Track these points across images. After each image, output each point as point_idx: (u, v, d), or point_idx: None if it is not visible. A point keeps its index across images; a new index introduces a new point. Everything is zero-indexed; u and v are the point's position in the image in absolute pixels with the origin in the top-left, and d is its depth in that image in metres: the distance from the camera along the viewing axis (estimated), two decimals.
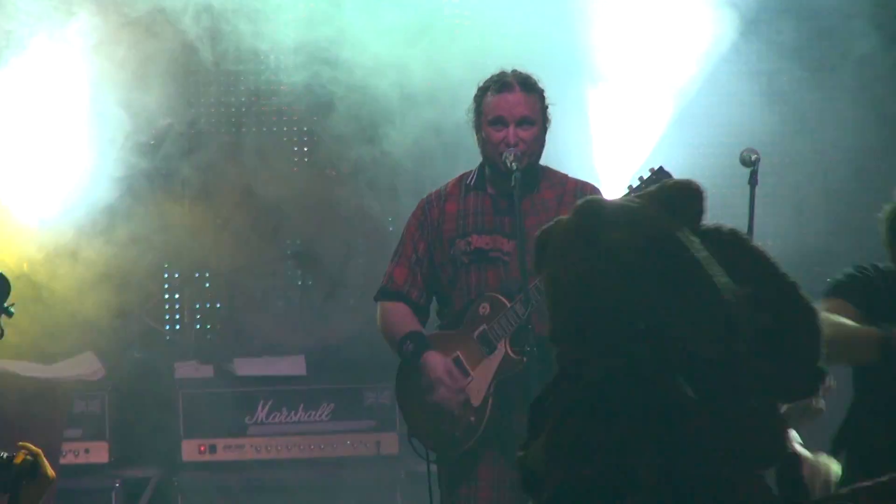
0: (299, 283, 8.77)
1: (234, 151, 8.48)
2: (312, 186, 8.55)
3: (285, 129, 8.74)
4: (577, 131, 8.00)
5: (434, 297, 5.74)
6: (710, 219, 2.92)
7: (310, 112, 8.51)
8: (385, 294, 5.69)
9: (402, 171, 8.24)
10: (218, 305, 8.75)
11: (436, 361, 5.51)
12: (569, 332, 2.82)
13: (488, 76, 5.63)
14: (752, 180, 5.55)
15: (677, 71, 8.08)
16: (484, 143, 5.50)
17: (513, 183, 5.28)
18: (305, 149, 8.78)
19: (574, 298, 2.81)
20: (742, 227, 3.63)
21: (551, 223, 3.01)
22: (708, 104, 8.26)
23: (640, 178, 5.41)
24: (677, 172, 5.36)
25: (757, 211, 5.40)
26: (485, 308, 5.53)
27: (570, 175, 5.69)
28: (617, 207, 2.90)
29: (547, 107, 5.55)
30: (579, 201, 2.92)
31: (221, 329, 8.69)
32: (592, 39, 8.06)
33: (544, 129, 5.53)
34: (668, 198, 2.94)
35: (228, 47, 8.13)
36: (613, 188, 7.45)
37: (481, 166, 5.65)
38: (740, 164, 5.57)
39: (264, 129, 8.68)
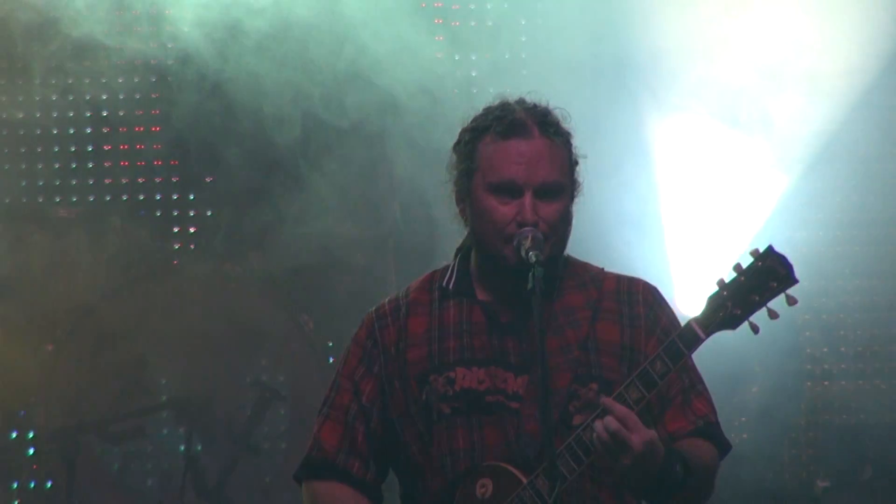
0: (181, 447, 8.51)
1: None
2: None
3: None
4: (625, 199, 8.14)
5: (393, 472, 5.02)
6: None
7: None
8: (310, 469, 5.00)
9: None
10: (48, 485, 8.59)
11: None
12: None
13: (479, 107, 4.95)
14: None
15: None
16: (480, 222, 4.82)
17: (530, 284, 4.58)
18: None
19: None
20: None
21: None
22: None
23: (753, 253, 4.55)
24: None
25: None
26: (485, 487, 4.80)
27: (608, 269, 4.99)
28: None
29: (577, 162, 4.85)
30: None
31: None
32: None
33: (573, 199, 4.86)
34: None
35: None
36: (691, 288, 7.76)
37: (462, 260, 4.97)
38: None
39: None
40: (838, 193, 8.46)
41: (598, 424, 4.46)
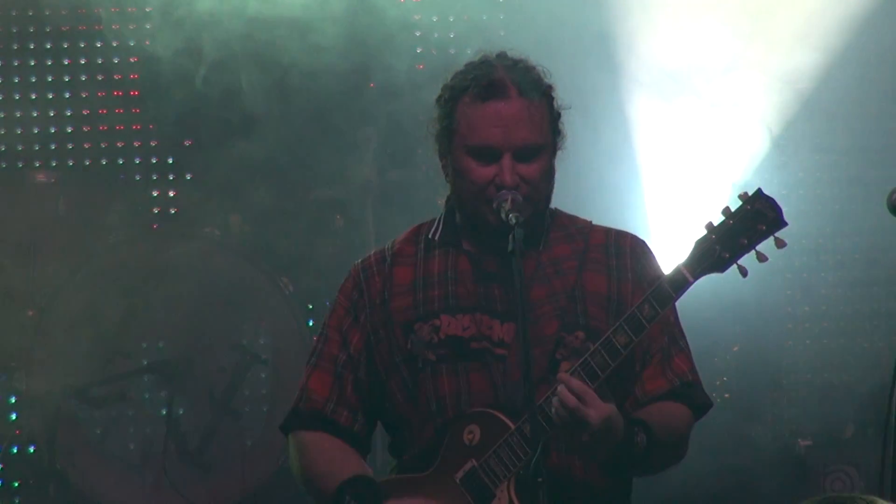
0: (163, 411, 8.61)
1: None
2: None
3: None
4: (606, 152, 8.12)
5: (380, 422, 5.09)
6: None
7: None
8: (297, 419, 5.04)
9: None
10: (31, 450, 8.64)
11: None
12: None
13: (459, 64, 4.96)
14: None
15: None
16: (461, 181, 4.88)
17: (511, 246, 4.61)
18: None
19: None
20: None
21: None
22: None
23: (742, 196, 4.67)
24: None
25: None
26: (472, 433, 4.87)
27: (596, 222, 5.04)
28: None
29: (559, 115, 4.89)
30: None
31: (36, 483, 8.70)
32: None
33: (555, 154, 4.89)
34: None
35: None
36: (670, 239, 7.73)
37: (449, 212, 5.03)
38: (889, 212, 4.87)
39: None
40: (818, 152, 8.54)
41: (554, 400, 4.53)
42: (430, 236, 5.08)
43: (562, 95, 4.99)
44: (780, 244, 4.50)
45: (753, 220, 4.37)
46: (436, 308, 4.97)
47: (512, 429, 4.77)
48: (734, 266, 4.40)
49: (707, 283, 4.35)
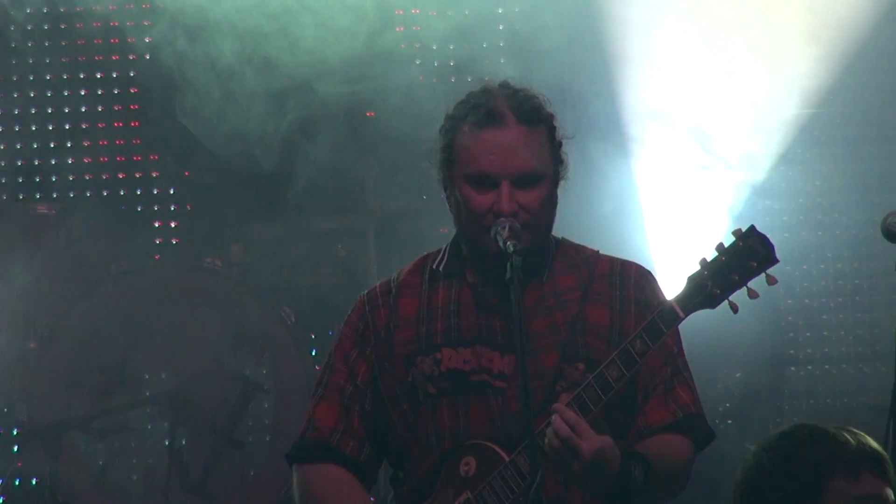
0: (165, 442, 8.55)
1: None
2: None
3: None
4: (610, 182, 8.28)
5: (384, 455, 5.09)
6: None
7: None
8: (303, 450, 5.03)
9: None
10: (34, 482, 8.62)
11: None
12: None
13: (462, 93, 4.98)
14: None
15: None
16: (461, 211, 4.90)
17: (509, 274, 4.62)
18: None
19: None
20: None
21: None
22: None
23: (735, 232, 4.68)
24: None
25: None
26: (469, 465, 4.87)
27: (602, 252, 5.06)
28: None
29: (560, 144, 4.88)
30: None
31: None
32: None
33: (556, 183, 4.89)
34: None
35: None
36: (674, 270, 7.71)
37: (454, 243, 5.05)
38: (883, 237, 5.13)
39: None
40: (817, 177, 8.58)
41: (549, 430, 4.53)
42: (434, 267, 5.08)
43: (563, 125, 4.98)
44: (770, 281, 4.54)
45: (745, 256, 4.39)
46: (438, 341, 4.97)
47: (506, 461, 4.77)
48: (726, 302, 4.41)
49: (708, 311, 4.37)
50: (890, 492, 3.79)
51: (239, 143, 8.95)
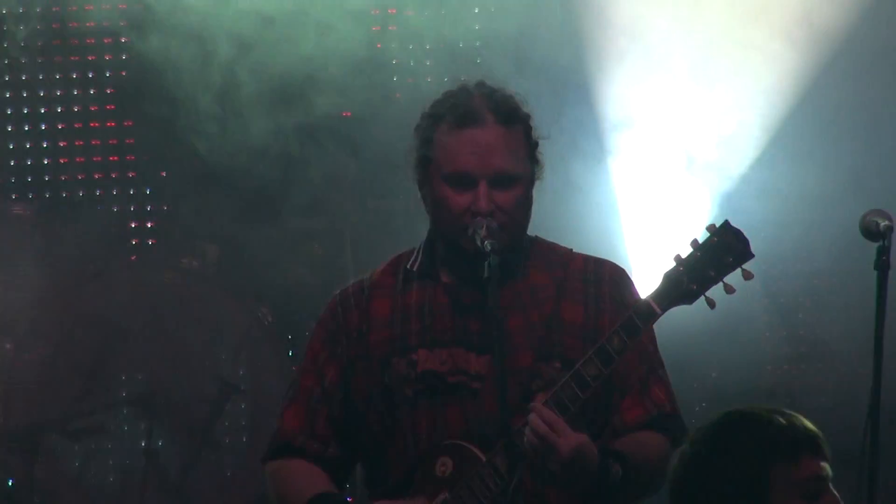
0: (142, 443, 8.58)
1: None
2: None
3: None
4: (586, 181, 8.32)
5: (357, 457, 5.08)
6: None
7: None
8: (271, 451, 5.07)
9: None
10: (10, 483, 8.55)
11: None
12: None
13: (439, 92, 5.00)
14: (882, 262, 4.93)
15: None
16: (438, 210, 4.92)
17: (486, 273, 4.67)
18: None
19: None
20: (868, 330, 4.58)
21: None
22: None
23: (710, 228, 4.69)
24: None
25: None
26: (445, 465, 4.86)
27: (576, 250, 5.06)
28: None
29: (537, 144, 4.91)
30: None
31: None
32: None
33: (532, 183, 4.91)
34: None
35: None
36: (649, 269, 7.81)
37: (428, 243, 5.04)
38: (862, 235, 5.02)
39: None
40: (793, 178, 8.61)
41: (526, 428, 4.55)
42: (408, 267, 5.07)
43: (539, 126, 4.98)
44: (746, 276, 4.54)
45: (721, 251, 4.38)
46: (413, 343, 4.96)
47: (483, 460, 4.76)
48: (703, 298, 4.42)
49: (685, 309, 4.37)
50: (827, 466, 3.83)
51: (244, 157, 8.98)
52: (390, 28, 8.86)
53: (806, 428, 3.87)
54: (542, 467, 4.33)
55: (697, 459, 3.94)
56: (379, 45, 8.69)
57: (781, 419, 3.88)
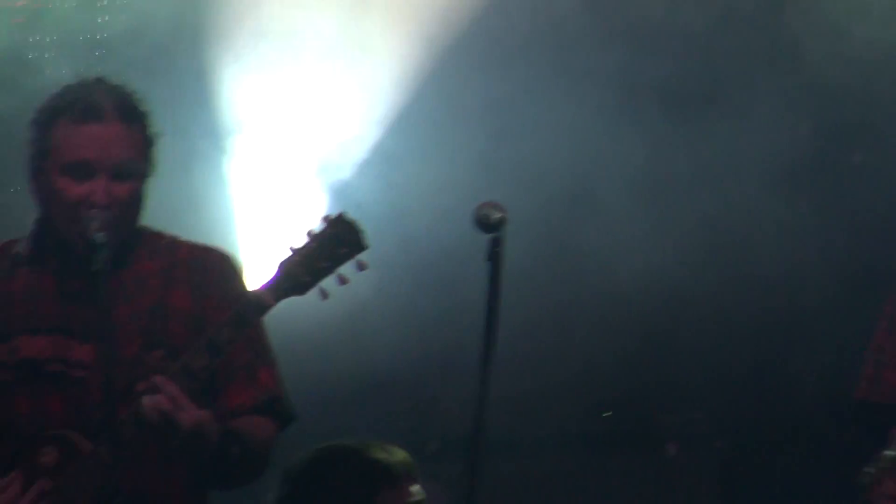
0: None
1: None
2: None
3: None
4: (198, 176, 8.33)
5: None
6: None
7: None
8: None
9: None
10: None
11: None
12: None
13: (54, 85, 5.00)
14: (493, 253, 4.77)
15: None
16: (53, 202, 4.90)
17: (97, 266, 4.65)
18: None
19: None
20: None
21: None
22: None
23: (325, 218, 4.76)
24: None
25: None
26: (48, 455, 4.81)
27: (183, 238, 5.12)
28: None
29: (153, 142, 4.96)
30: None
31: None
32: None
33: (147, 178, 4.95)
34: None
35: None
36: (261, 258, 7.86)
37: (38, 229, 5.02)
38: (476, 227, 4.88)
39: None
40: (409, 174, 8.78)
41: (147, 401, 4.54)
42: (18, 252, 5.03)
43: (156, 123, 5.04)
44: (361, 266, 4.61)
45: (335, 243, 4.44)
46: (15, 328, 4.92)
47: (88, 451, 4.75)
48: (316, 288, 4.47)
49: (302, 299, 4.41)
50: (419, 487, 4.18)
51: None
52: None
53: (402, 458, 4.20)
54: (162, 444, 4.30)
55: (297, 496, 4.07)
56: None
57: (378, 452, 4.17)
